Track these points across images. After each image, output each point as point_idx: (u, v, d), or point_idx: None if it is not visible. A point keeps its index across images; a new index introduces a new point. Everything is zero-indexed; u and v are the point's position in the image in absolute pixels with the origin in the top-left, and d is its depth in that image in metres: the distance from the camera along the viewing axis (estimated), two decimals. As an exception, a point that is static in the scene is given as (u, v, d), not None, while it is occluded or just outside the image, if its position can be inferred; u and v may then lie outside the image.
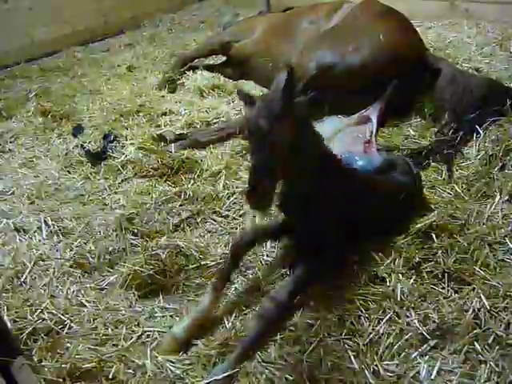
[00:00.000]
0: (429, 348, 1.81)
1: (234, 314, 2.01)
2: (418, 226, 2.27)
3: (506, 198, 2.44)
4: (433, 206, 2.45)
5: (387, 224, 2.25)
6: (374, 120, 3.17)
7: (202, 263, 2.27)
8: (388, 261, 2.14)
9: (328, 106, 3.41)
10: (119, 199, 2.77)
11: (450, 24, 4.76)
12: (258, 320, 1.86)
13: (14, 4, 5.08)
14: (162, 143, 3.24)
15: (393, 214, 2.25)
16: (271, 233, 2.21)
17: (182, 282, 2.20)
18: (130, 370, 1.81)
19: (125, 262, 2.31)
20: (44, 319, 2.02)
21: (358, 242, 2.19)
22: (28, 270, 2.29)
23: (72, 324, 2.02)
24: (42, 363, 1.85)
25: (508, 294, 1.94)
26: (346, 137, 3.06)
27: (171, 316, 2.05)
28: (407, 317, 1.91)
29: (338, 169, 2.04)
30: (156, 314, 2.07)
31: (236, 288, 2.14)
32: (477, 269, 2.06)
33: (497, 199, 2.44)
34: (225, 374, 1.72)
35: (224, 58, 4.62)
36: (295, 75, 1.70)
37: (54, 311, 2.06)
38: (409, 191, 2.30)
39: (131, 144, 3.21)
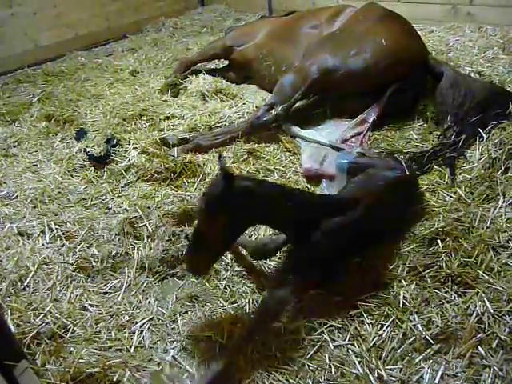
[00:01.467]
0: (432, 352, 1.80)
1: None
2: (424, 232, 2.27)
3: (510, 201, 2.43)
4: (436, 210, 2.45)
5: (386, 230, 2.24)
6: (370, 121, 3.19)
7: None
8: (392, 267, 2.14)
9: (330, 110, 3.44)
10: (122, 203, 2.78)
11: (452, 27, 4.76)
12: (257, 313, 1.90)
13: (18, 9, 5.11)
14: (165, 147, 3.26)
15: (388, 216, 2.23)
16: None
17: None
18: (136, 375, 1.81)
19: (128, 266, 2.33)
20: (47, 323, 2.03)
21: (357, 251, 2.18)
22: (31, 274, 2.30)
23: (75, 328, 2.03)
24: (46, 367, 1.85)
25: (512, 297, 1.94)
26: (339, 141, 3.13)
27: (173, 321, 2.06)
28: (411, 321, 1.91)
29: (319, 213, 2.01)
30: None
31: (238, 291, 2.14)
32: (480, 273, 2.06)
33: (500, 202, 2.43)
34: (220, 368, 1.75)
35: (226, 62, 4.64)
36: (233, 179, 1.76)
37: (57, 315, 2.07)
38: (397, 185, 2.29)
39: (134, 148, 3.22)
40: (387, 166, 2.42)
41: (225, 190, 1.74)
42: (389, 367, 1.76)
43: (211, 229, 1.80)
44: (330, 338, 1.88)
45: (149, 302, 2.16)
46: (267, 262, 2.28)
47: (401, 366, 1.76)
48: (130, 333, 2.01)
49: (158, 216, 2.55)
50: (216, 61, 4.77)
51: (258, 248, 2.22)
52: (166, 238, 2.42)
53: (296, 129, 3.26)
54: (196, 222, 1.90)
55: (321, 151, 3.03)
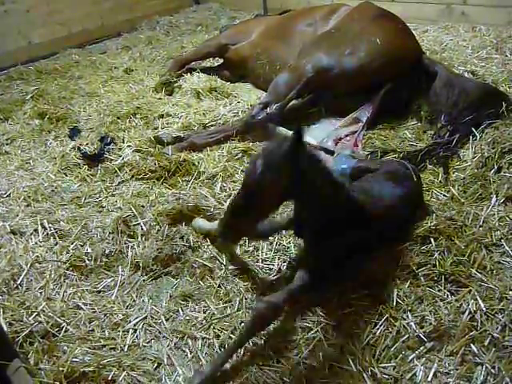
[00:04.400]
0: (425, 350, 1.81)
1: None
2: (417, 231, 2.28)
3: (502, 200, 2.45)
4: (429, 209, 2.46)
5: (389, 237, 2.22)
6: (364, 120, 3.20)
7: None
8: (385, 266, 2.15)
9: (325, 108, 3.45)
10: (116, 201, 2.77)
11: (446, 27, 4.78)
12: (249, 320, 1.86)
13: (11, 6, 5.07)
14: (159, 145, 3.25)
15: (395, 225, 2.22)
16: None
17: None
18: (133, 373, 1.81)
19: (121, 265, 2.32)
20: (40, 322, 2.02)
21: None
22: (24, 273, 2.29)
23: (68, 327, 2.02)
24: (39, 366, 1.85)
25: (504, 295, 1.95)
26: (333, 139, 3.12)
27: (167, 320, 2.05)
28: (404, 319, 1.92)
29: (345, 209, 1.97)
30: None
31: (232, 290, 2.14)
32: (473, 271, 2.07)
33: (493, 201, 2.45)
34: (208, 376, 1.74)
35: (221, 61, 4.63)
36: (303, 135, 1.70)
37: (50, 314, 2.06)
38: (409, 199, 2.28)
39: (128, 146, 3.21)
40: (394, 173, 2.38)
41: (295, 150, 1.68)
42: (382, 365, 1.77)
43: (265, 190, 1.70)
44: (324, 336, 1.88)
45: (143, 301, 2.15)
46: (260, 261, 2.28)
47: (394, 364, 1.77)
48: (123, 331, 2.00)
49: (153, 215, 2.55)
50: (211, 59, 4.76)
51: None
52: (160, 236, 2.41)
53: (284, 130, 3.26)
54: (246, 181, 1.75)
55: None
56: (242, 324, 1.93)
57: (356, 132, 3.17)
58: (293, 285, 1.94)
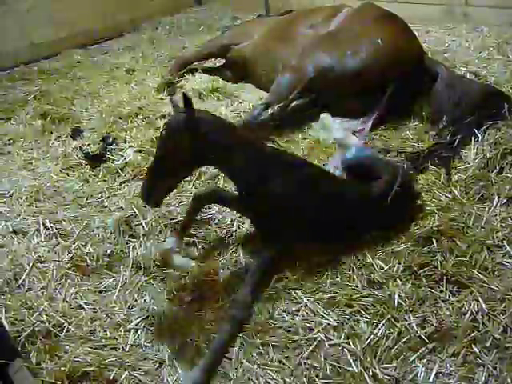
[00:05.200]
0: (427, 351, 1.81)
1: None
2: (419, 231, 2.28)
3: (504, 201, 2.45)
4: (431, 210, 2.45)
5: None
6: (369, 123, 3.20)
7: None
8: (387, 266, 2.15)
9: (327, 109, 3.45)
10: (118, 201, 2.77)
11: (448, 28, 4.78)
12: (227, 324, 1.92)
13: (13, 6, 5.07)
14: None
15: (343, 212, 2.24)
16: (228, 198, 2.36)
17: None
18: (134, 373, 1.81)
19: (123, 265, 2.33)
20: (42, 321, 2.02)
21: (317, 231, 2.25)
22: (26, 273, 2.29)
23: (70, 326, 2.02)
24: (41, 365, 1.85)
25: (506, 296, 1.95)
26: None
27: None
28: (405, 320, 1.91)
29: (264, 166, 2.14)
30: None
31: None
32: (475, 272, 2.07)
33: (495, 202, 2.45)
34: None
35: (223, 61, 4.63)
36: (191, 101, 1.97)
37: (52, 313, 2.06)
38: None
39: (130, 146, 3.21)
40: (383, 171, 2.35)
41: (188, 115, 1.97)
42: (383, 366, 1.77)
43: (172, 153, 1.96)
44: (325, 336, 1.88)
45: (144, 301, 2.15)
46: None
47: (395, 365, 1.77)
48: (125, 331, 2.00)
49: (154, 217, 2.55)
50: (213, 59, 4.76)
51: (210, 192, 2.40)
52: (162, 237, 2.41)
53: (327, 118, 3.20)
54: (156, 150, 2.06)
55: None
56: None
57: (361, 130, 3.17)
58: (253, 268, 2.08)
